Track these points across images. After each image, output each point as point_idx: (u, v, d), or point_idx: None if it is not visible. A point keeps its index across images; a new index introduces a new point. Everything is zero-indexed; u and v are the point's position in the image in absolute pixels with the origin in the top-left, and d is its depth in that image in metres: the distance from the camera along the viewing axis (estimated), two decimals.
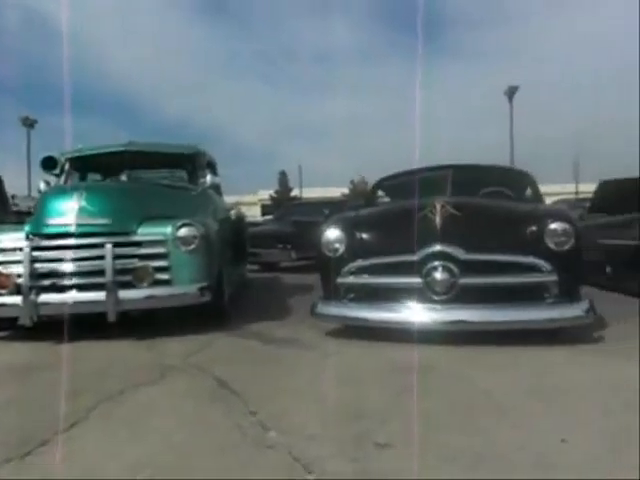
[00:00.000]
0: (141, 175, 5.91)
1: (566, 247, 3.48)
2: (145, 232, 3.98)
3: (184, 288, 3.95)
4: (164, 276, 3.95)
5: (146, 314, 4.12)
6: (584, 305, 3.47)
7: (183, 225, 3.97)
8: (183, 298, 3.96)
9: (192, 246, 3.95)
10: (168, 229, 3.96)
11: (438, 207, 3.64)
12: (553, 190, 30.42)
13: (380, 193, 5.71)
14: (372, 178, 6.21)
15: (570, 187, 38.07)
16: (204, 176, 5.37)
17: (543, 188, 5.28)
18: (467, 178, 4.77)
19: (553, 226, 3.53)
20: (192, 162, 5.53)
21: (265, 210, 39.30)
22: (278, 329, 4.18)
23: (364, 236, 3.87)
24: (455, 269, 3.46)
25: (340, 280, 3.76)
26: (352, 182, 47.53)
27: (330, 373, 3.02)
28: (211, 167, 5.92)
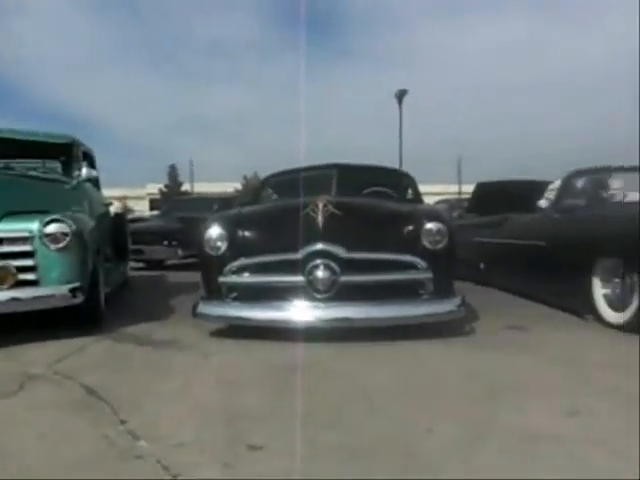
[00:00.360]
0: (9, 165, 5.40)
1: (440, 246, 3.67)
2: (6, 228, 3.63)
3: (53, 289, 3.66)
4: (29, 276, 3.62)
5: (8, 319, 3.76)
6: (457, 300, 3.69)
7: (52, 221, 3.67)
8: (52, 300, 3.66)
9: (62, 244, 3.66)
10: (34, 225, 3.64)
11: (320, 206, 3.68)
12: (437, 190, 32.31)
13: (269, 190, 5.69)
14: (265, 174, 6.20)
15: (454, 187, 40.69)
16: (79, 168, 5.01)
17: (429, 188, 5.56)
18: (351, 177, 4.89)
19: (429, 226, 3.70)
20: (66, 153, 5.15)
21: (154, 204, 37.98)
22: (158, 331, 4.01)
23: (247, 234, 3.81)
24: (336, 267, 3.51)
25: (222, 279, 3.68)
26: (245, 177, 47.24)
27: (209, 375, 2.94)
28: (88, 159, 5.55)
